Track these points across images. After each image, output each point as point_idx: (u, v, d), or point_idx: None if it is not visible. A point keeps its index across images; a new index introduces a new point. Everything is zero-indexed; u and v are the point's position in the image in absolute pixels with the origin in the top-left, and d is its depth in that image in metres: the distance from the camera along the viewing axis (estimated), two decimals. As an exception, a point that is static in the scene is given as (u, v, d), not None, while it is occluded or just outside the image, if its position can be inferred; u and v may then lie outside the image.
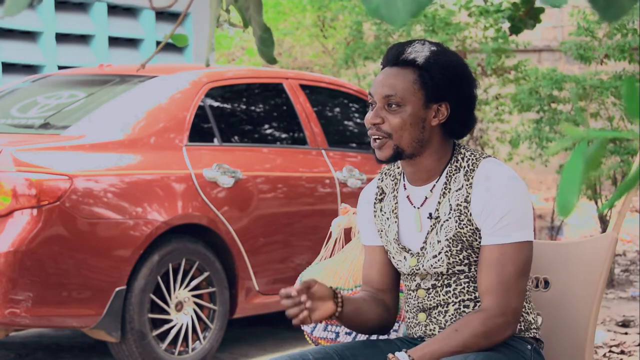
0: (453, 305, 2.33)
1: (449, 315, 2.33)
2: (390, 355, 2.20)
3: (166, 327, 4.72)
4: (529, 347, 2.34)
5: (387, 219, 2.41)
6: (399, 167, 2.43)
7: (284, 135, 5.70)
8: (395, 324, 2.68)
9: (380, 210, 2.43)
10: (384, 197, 2.43)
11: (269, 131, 5.64)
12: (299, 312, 2.18)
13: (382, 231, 2.42)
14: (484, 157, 2.31)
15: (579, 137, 0.98)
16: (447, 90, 2.30)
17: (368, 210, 2.46)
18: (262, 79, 5.66)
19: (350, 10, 10.83)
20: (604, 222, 7.25)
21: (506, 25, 8.33)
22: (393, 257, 2.41)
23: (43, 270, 4.27)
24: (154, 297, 4.66)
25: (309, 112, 5.59)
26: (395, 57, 2.32)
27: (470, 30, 9.50)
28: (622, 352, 4.99)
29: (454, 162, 2.33)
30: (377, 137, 2.30)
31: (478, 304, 2.31)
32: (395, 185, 2.42)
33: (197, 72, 5.30)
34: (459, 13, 9.49)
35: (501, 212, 2.24)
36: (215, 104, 5.26)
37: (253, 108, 5.65)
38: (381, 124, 2.30)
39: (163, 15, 8.14)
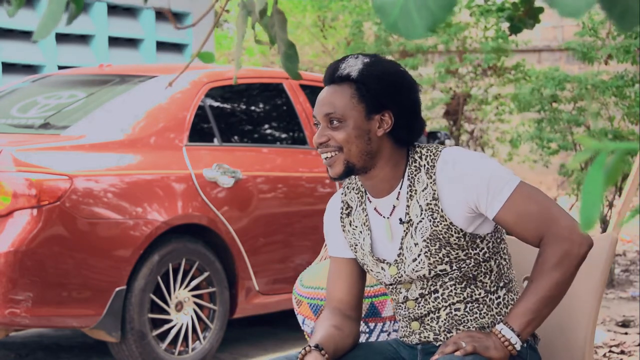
0: (444, 310, 2.33)
1: (442, 321, 2.34)
2: (495, 330, 2.22)
3: (166, 327, 4.72)
4: (525, 344, 2.34)
5: (360, 232, 2.39)
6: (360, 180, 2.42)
7: (284, 135, 5.70)
8: (395, 324, 2.68)
9: (350, 225, 2.42)
10: (351, 211, 2.42)
11: (269, 131, 5.64)
12: None
13: (356, 245, 2.40)
14: (440, 151, 2.30)
15: (596, 149, 0.99)
16: (386, 99, 2.29)
17: (335, 222, 2.45)
18: (262, 79, 5.66)
19: (350, 11, 10.83)
20: (604, 222, 7.24)
21: (506, 25, 8.33)
22: (371, 270, 2.39)
23: (43, 270, 4.27)
24: (154, 297, 4.66)
25: (309, 112, 5.59)
26: (331, 75, 2.32)
27: (471, 31, 9.50)
28: (622, 352, 4.99)
29: (412, 163, 2.31)
30: (327, 154, 2.30)
31: (468, 305, 2.31)
32: (362, 198, 2.40)
33: (197, 72, 5.30)
34: (460, 13, 9.49)
35: (483, 179, 2.23)
36: (215, 104, 5.26)
37: (253, 108, 5.64)
38: (327, 142, 2.29)
39: (163, 15, 8.14)
